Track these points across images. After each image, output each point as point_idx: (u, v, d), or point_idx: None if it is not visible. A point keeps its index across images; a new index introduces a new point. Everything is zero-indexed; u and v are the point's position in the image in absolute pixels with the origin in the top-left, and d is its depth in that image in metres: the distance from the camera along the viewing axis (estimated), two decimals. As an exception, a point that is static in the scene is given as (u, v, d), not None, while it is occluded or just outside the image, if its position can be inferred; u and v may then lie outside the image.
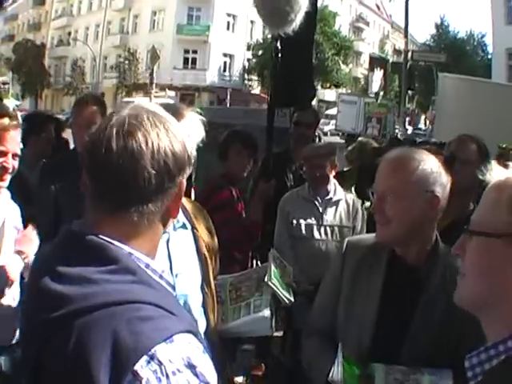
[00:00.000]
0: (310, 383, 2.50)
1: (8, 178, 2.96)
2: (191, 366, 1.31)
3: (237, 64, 59.63)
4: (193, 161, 1.56)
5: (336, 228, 4.68)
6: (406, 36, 30.67)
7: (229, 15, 57.58)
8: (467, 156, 3.62)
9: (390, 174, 2.34)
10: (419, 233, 2.34)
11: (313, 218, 4.66)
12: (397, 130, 31.26)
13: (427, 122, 43.80)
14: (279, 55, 4.18)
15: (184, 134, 1.52)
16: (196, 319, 2.51)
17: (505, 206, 1.46)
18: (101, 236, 1.42)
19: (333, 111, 51.31)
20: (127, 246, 1.44)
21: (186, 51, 57.35)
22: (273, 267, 3.02)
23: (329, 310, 2.55)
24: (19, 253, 2.88)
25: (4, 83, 53.48)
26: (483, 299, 1.49)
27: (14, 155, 2.95)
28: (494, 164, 1.59)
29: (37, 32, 72.10)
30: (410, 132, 37.04)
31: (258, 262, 4.84)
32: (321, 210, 4.68)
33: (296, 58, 6.34)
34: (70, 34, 69.12)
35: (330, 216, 4.69)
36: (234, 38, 57.27)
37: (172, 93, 51.84)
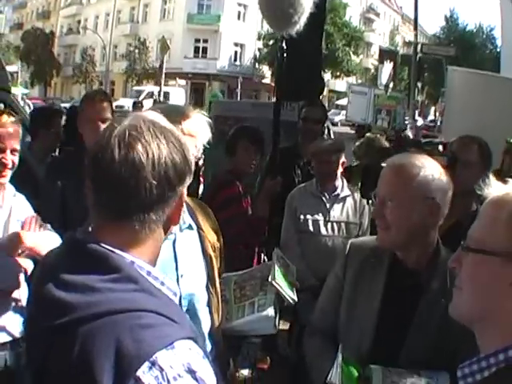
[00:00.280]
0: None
1: (8, 173, 3.00)
2: (191, 372, 1.34)
3: (247, 53, 59.59)
4: (193, 170, 1.58)
5: (343, 224, 4.69)
6: (415, 28, 30.47)
7: (239, 5, 57.45)
8: (468, 158, 3.61)
9: (391, 179, 2.36)
10: (419, 238, 2.35)
11: (320, 214, 4.67)
12: (407, 122, 31.22)
13: (437, 114, 43.65)
14: (284, 55, 4.18)
15: (185, 144, 1.55)
16: (201, 319, 2.55)
17: (503, 224, 1.45)
18: (103, 245, 1.45)
19: (343, 101, 51.36)
20: (129, 255, 1.48)
21: (197, 40, 57.37)
22: (276, 267, 3.04)
23: (331, 311, 2.58)
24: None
25: (13, 73, 53.60)
26: (477, 313, 1.50)
27: (13, 151, 2.99)
28: (492, 179, 1.56)
29: (46, 20, 71.98)
30: (419, 123, 36.97)
31: (265, 258, 4.86)
32: (328, 206, 4.68)
33: (304, 54, 6.34)
34: (79, 22, 69.08)
35: (337, 212, 4.70)
36: (245, 27, 57.09)
37: (182, 81, 51.90)
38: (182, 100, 46.16)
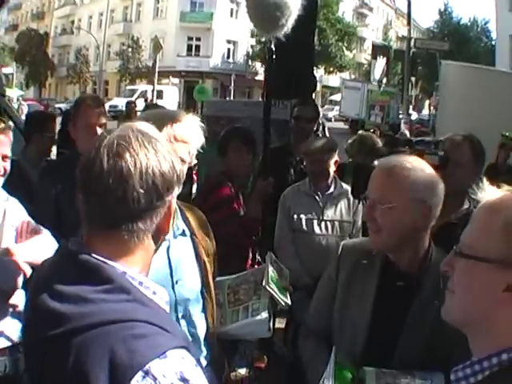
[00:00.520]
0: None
1: (0, 180, 3.03)
2: (184, 380, 1.36)
3: (240, 51, 59.50)
4: (182, 179, 1.60)
5: (336, 223, 4.70)
6: (408, 23, 30.52)
7: (232, 2, 57.22)
8: (460, 157, 3.53)
9: (381, 182, 2.36)
10: (411, 240, 2.36)
11: (313, 213, 4.69)
12: (401, 116, 31.24)
13: (431, 108, 43.69)
14: (273, 56, 4.16)
15: (173, 153, 1.57)
16: (196, 324, 2.56)
17: (498, 230, 1.42)
18: (94, 255, 1.47)
19: (337, 97, 51.32)
20: (120, 265, 1.49)
21: (190, 38, 57.24)
22: (270, 271, 3.05)
23: (324, 312, 2.59)
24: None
25: (8, 74, 53.41)
26: (469, 317, 1.49)
27: (4, 157, 3.03)
28: (485, 183, 1.54)
29: (40, 21, 71.91)
30: (414, 117, 36.95)
31: (259, 258, 4.86)
32: (321, 205, 4.70)
33: (295, 52, 6.33)
34: (73, 22, 69.06)
35: (330, 211, 4.71)
36: (238, 24, 56.86)
37: (176, 80, 51.76)
38: (176, 98, 46.10)
